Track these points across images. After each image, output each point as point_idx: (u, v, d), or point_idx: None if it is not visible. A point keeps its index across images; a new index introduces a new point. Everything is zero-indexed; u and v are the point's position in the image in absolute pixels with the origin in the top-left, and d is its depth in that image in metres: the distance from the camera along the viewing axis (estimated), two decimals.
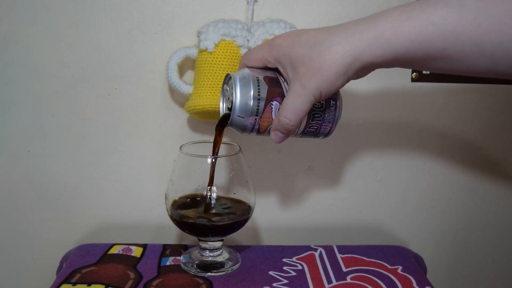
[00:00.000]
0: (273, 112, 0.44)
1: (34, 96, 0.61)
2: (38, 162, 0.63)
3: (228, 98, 0.47)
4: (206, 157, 0.51)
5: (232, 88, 0.44)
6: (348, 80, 0.40)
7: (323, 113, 0.45)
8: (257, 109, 0.43)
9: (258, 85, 0.43)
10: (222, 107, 0.49)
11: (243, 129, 0.45)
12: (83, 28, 0.59)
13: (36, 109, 0.62)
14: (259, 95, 0.43)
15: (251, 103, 0.43)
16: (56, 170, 0.64)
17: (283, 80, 0.44)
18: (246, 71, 0.44)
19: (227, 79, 0.47)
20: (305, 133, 0.46)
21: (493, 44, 0.34)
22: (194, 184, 0.53)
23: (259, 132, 0.45)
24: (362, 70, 0.39)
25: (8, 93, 0.61)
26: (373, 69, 0.40)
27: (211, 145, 0.50)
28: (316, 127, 0.46)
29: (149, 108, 0.62)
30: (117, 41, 0.60)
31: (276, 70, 0.44)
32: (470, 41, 0.34)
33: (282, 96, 0.43)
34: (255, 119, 0.44)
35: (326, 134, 0.48)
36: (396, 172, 0.68)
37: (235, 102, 0.43)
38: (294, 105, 0.40)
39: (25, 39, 0.59)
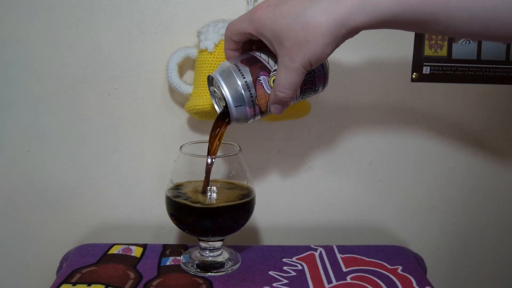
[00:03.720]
0: (264, 87, 0.44)
1: (34, 96, 0.61)
2: (38, 162, 0.63)
3: (219, 98, 0.47)
4: (206, 157, 0.51)
5: (218, 86, 0.45)
6: (337, 46, 0.40)
7: (312, 72, 0.46)
8: (249, 92, 0.44)
9: (240, 71, 0.44)
10: (218, 108, 0.49)
11: (246, 117, 0.45)
12: (83, 28, 0.59)
13: (36, 109, 0.62)
14: (244, 78, 0.44)
15: (242, 90, 0.44)
16: (56, 170, 0.64)
17: (259, 54, 0.45)
18: (223, 64, 0.45)
19: (210, 80, 0.47)
20: (303, 95, 0.47)
21: (486, 8, 0.33)
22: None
23: (262, 113, 0.46)
24: (350, 34, 0.39)
25: (8, 93, 0.61)
26: (362, 30, 0.39)
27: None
28: (310, 86, 0.47)
29: (149, 108, 0.62)
30: (117, 41, 0.60)
31: (256, 44, 0.45)
32: (461, 5, 0.34)
33: (265, 68, 0.44)
34: (252, 101, 0.44)
35: (323, 86, 0.48)
36: (396, 172, 0.68)
37: (227, 96, 0.44)
38: (287, 80, 0.41)
39: (25, 39, 0.59)
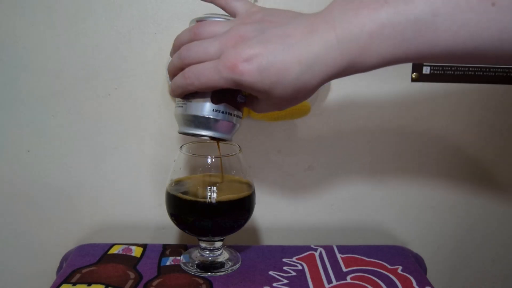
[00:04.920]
0: (244, 101, 0.44)
1: (34, 96, 0.61)
2: (38, 162, 0.63)
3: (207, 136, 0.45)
4: (206, 157, 0.51)
5: (207, 136, 0.43)
6: None
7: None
8: (238, 116, 0.44)
9: (222, 112, 0.42)
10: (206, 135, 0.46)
11: (236, 127, 0.45)
12: (83, 28, 0.59)
13: (36, 109, 0.62)
14: (229, 114, 0.43)
15: (233, 123, 0.44)
16: (56, 170, 0.64)
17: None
18: (198, 114, 0.42)
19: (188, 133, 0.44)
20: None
21: (469, 49, 0.33)
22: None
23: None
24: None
25: (8, 93, 0.61)
26: None
27: (211, 145, 0.50)
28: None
29: (149, 108, 0.62)
30: (117, 41, 0.60)
31: None
32: (446, 49, 0.33)
33: (235, 91, 0.43)
34: (240, 118, 0.45)
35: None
36: (396, 172, 0.68)
37: (223, 137, 0.43)
38: (267, 110, 0.43)
39: (25, 39, 0.59)
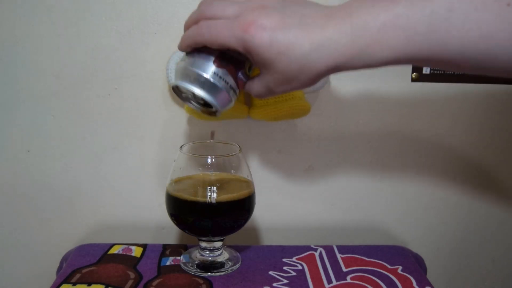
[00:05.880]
0: (244, 79, 0.43)
1: (34, 96, 0.61)
2: (38, 162, 0.63)
3: (194, 99, 0.44)
4: (206, 157, 0.51)
5: (201, 97, 0.41)
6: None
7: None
8: (234, 92, 0.42)
9: (222, 78, 0.41)
10: (197, 106, 0.45)
11: (230, 103, 0.43)
12: (83, 28, 0.59)
13: (36, 109, 0.62)
14: (228, 84, 0.41)
15: (229, 97, 0.42)
16: (56, 170, 0.64)
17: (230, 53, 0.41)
18: (199, 72, 0.40)
19: (179, 89, 0.43)
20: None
21: (480, 50, 0.32)
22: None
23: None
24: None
25: (8, 93, 0.61)
26: None
27: (211, 145, 0.50)
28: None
29: (149, 108, 0.62)
30: (117, 41, 0.60)
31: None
32: (457, 49, 0.33)
33: (239, 64, 0.41)
34: (236, 95, 0.43)
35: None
36: (396, 172, 0.68)
37: (215, 105, 0.42)
38: (259, 90, 0.41)
39: (25, 39, 0.59)
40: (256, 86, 0.41)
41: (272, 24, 0.36)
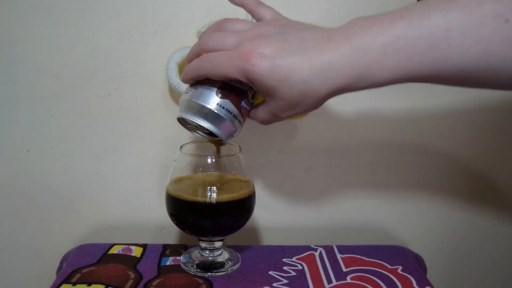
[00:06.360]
0: (247, 107, 0.43)
1: (34, 96, 0.61)
2: (38, 162, 0.63)
3: (204, 131, 0.45)
4: (206, 157, 0.51)
5: (204, 128, 0.42)
6: None
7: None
8: (239, 121, 0.43)
9: (225, 109, 0.41)
10: (202, 134, 0.46)
11: (235, 132, 0.45)
12: (83, 28, 0.59)
13: (36, 109, 0.62)
14: (231, 114, 0.42)
15: (234, 126, 0.43)
16: (56, 170, 0.64)
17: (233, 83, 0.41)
18: (202, 103, 0.41)
19: (187, 121, 0.44)
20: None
21: (481, 68, 0.33)
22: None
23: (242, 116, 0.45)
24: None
25: (8, 93, 0.61)
26: None
27: (211, 145, 0.50)
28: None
29: (149, 108, 0.62)
30: (117, 41, 0.60)
31: None
32: (458, 67, 0.33)
33: (242, 94, 0.42)
34: (240, 124, 0.44)
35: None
36: (396, 172, 0.68)
37: (220, 135, 0.42)
38: (264, 117, 0.42)
39: (25, 39, 0.59)
40: (261, 113, 0.42)
41: (271, 52, 0.36)
